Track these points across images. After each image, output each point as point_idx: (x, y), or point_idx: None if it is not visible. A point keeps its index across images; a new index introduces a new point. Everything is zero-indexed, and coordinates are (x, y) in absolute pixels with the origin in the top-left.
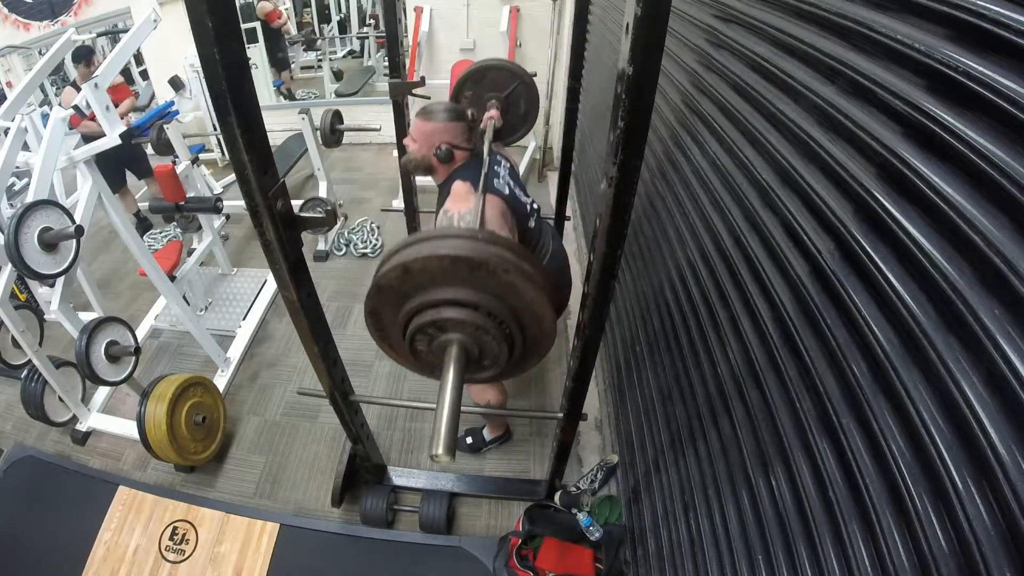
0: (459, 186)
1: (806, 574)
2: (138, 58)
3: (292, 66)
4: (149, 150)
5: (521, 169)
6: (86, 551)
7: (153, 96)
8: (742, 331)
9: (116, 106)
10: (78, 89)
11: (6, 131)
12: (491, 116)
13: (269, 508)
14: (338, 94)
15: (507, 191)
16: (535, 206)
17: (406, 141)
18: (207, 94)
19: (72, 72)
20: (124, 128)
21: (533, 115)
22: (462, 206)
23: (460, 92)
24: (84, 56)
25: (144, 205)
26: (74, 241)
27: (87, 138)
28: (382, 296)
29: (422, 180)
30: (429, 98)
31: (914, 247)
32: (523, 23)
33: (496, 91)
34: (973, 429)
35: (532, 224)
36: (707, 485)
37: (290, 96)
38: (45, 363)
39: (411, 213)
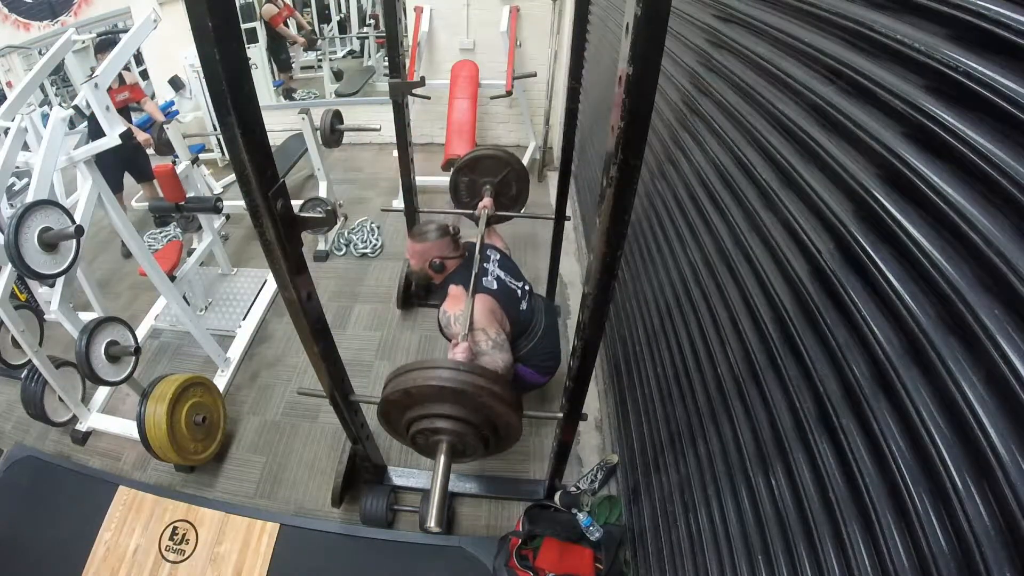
0: (453, 289)
1: (806, 574)
2: (138, 58)
3: (292, 66)
4: (149, 150)
5: None
6: (86, 551)
7: (153, 96)
8: (742, 331)
9: (138, 104)
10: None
11: (6, 131)
12: (484, 205)
13: (269, 508)
14: (338, 94)
15: (495, 286)
16: (527, 288)
17: (407, 256)
18: (207, 94)
19: (72, 71)
20: (125, 128)
21: (524, 196)
22: (457, 308)
23: (457, 179)
24: (110, 46)
25: (140, 207)
26: (74, 241)
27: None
28: (389, 406)
29: (422, 181)
30: (429, 98)
31: (914, 247)
32: (523, 23)
33: (490, 176)
34: (973, 429)
35: (524, 307)
36: (707, 485)
37: (288, 96)
38: (45, 363)
39: (411, 213)
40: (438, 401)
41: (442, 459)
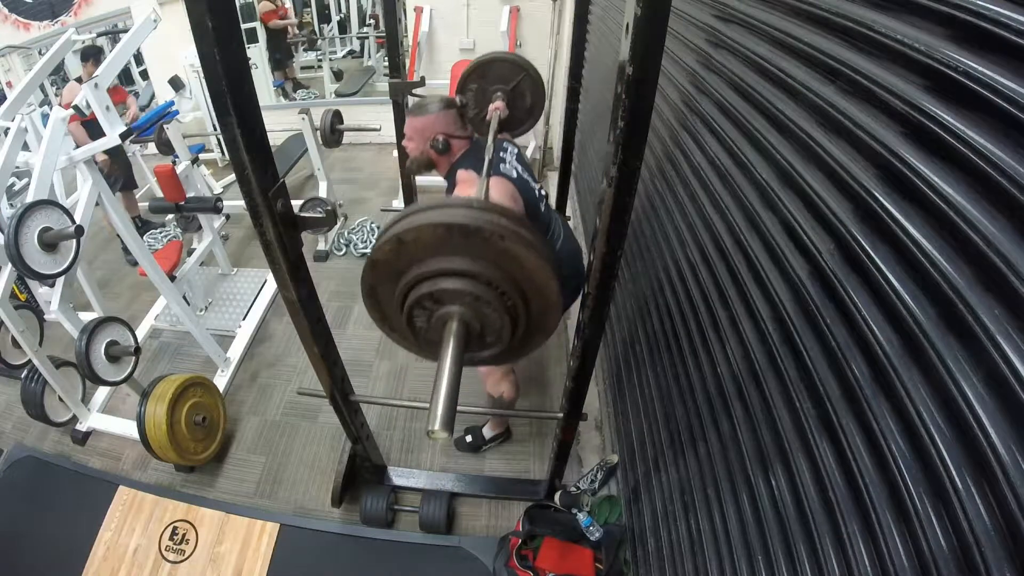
0: (464, 174)
1: (806, 574)
2: (138, 58)
3: (293, 66)
4: (151, 150)
5: None
6: (86, 551)
7: (153, 96)
8: (742, 331)
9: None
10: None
11: (6, 131)
12: (496, 107)
13: (269, 508)
14: (338, 94)
15: (515, 175)
16: (543, 192)
17: (404, 143)
18: (207, 94)
19: (72, 71)
20: (124, 128)
21: (539, 108)
22: (471, 192)
23: (465, 86)
24: (93, 55)
25: (144, 205)
26: (74, 241)
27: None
28: (378, 272)
29: (422, 181)
30: None
31: (914, 247)
32: (523, 23)
33: (502, 84)
34: (973, 429)
35: (543, 209)
36: (707, 485)
37: (299, 86)
38: (45, 363)
39: None
40: (444, 252)
41: (451, 340)
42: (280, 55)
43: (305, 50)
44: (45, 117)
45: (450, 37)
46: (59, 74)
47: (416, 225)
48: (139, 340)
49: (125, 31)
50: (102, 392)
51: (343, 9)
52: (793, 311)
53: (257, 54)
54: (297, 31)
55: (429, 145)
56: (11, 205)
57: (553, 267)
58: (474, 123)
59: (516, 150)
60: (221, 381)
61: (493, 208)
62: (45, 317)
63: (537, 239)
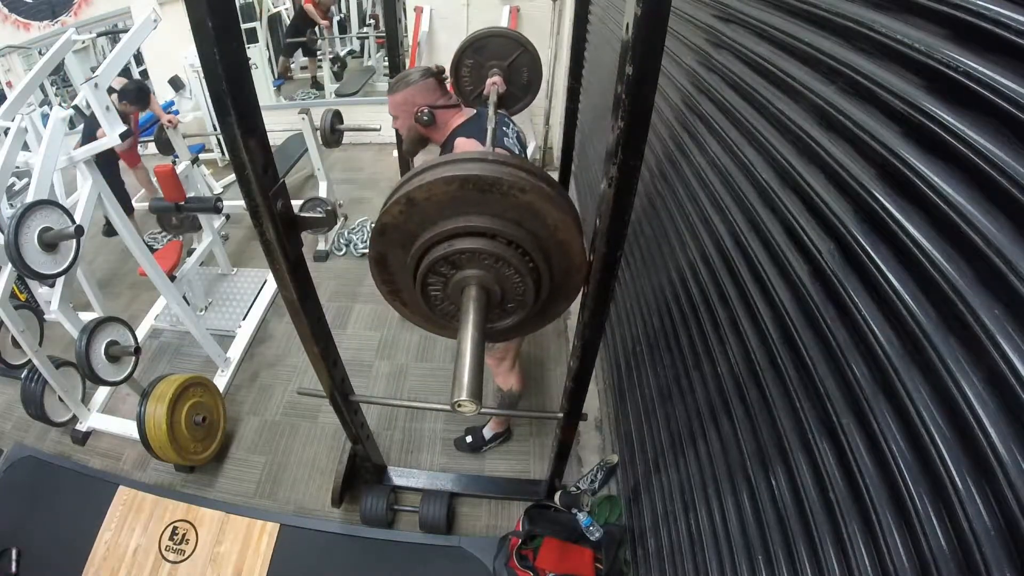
0: (463, 142)
1: (806, 574)
2: (138, 58)
3: (292, 66)
4: (151, 149)
5: None
6: (86, 551)
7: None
8: (742, 331)
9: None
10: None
11: (6, 131)
12: (494, 82)
13: (269, 508)
14: (338, 94)
15: (517, 151)
16: None
17: (392, 124)
18: (207, 94)
19: (73, 73)
20: (124, 128)
21: (536, 85)
22: None
23: (460, 62)
24: (134, 97)
25: (140, 207)
26: (74, 241)
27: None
28: (387, 238)
29: None
30: None
31: (914, 247)
32: (523, 23)
33: (498, 60)
34: (973, 429)
35: None
36: (707, 485)
37: (316, 84)
38: (45, 363)
39: None
40: (459, 210)
41: (472, 306)
42: (286, 46)
43: (304, 54)
44: (45, 117)
45: (450, 37)
46: (59, 74)
47: (428, 182)
48: (139, 340)
49: (125, 31)
50: (102, 392)
51: (343, 9)
52: (793, 311)
53: (257, 54)
54: (328, 24)
55: (415, 119)
56: (11, 205)
57: (577, 222)
58: (472, 95)
59: (517, 129)
60: (221, 381)
61: (510, 160)
62: (45, 317)
63: (559, 193)
